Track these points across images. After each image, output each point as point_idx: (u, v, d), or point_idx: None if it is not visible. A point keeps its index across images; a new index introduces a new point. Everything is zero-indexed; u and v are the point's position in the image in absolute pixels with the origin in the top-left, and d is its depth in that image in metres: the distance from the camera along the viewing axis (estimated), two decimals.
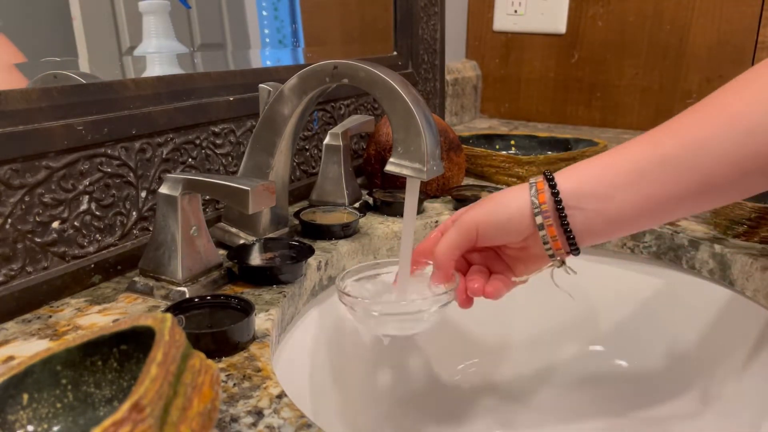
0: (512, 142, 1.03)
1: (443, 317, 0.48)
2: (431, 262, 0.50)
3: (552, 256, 0.45)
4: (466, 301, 0.49)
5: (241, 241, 0.59)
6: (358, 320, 0.49)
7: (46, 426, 0.31)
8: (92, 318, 0.46)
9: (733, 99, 0.42)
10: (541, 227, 0.44)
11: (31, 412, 0.31)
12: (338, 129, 0.71)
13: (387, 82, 0.48)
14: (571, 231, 0.44)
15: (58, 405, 0.32)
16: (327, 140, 0.71)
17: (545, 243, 0.45)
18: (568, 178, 0.44)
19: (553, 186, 0.44)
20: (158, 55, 0.63)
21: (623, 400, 0.70)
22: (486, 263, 0.50)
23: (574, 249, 0.45)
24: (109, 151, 0.52)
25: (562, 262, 0.46)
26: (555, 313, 0.75)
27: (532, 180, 0.45)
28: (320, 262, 0.58)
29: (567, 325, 0.75)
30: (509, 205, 0.45)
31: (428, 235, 0.52)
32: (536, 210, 0.44)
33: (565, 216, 0.43)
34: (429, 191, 0.78)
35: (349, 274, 0.52)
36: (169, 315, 0.31)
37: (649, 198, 0.42)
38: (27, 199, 0.46)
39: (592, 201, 0.43)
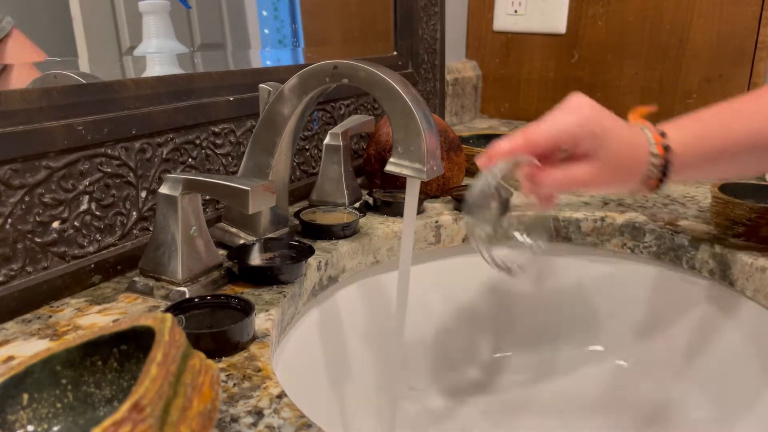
0: None
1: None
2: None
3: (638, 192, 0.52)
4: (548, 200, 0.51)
5: (241, 241, 0.59)
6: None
7: (46, 426, 0.31)
8: (92, 318, 0.46)
9: None
10: (645, 180, 0.50)
11: (31, 412, 0.31)
12: (338, 129, 0.71)
13: (387, 82, 0.48)
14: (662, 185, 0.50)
15: (58, 405, 0.32)
16: (327, 140, 0.71)
17: (645, 181, 0.50)
18: (681, 146, 0.49)
19: (666, 161, 0.49)
20: (158, 55, 0.63)
21: (623, 400, 0.70)
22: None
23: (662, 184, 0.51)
24: (109, 151, 0.52)
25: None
26: (555, 313, 0.75)
27: (651, 139, 0.49)
28: (320, 262, 0.58)
29: (567, 325, 0.75)
30: (627, 142, 0.49)
31: (534, 129, 0.50)
32: (650, 172, 0.49)
33: (667, 175, 0.50)
34: (429, 191, 0.78)
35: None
36: (169, 315, 0.31)
37: (734, 172, 0.53)
38: (27, 199, 0.46)
39: (686, 171, 0.50)
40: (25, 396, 0.31)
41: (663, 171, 0.49)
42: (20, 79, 0.51)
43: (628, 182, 0.51)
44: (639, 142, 0.49)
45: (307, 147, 0.77)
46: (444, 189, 0.79)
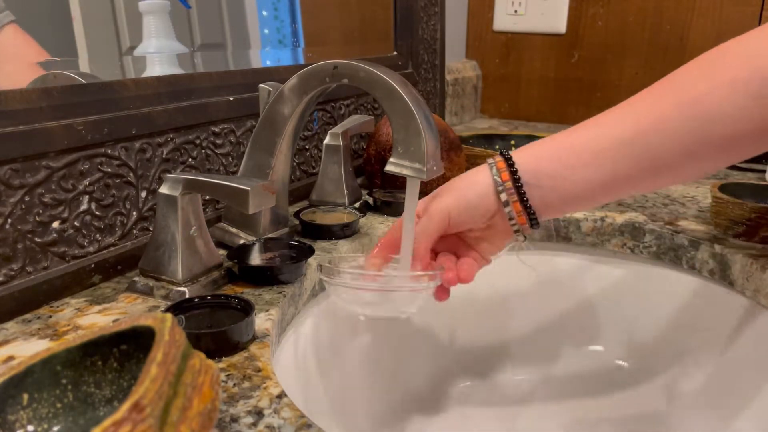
0: (512, 142, 1.03)
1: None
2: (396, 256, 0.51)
3: (517, 231, 0.48)
4: (443, 293, 0.50)
5: (241, 241, 0.59)
6: (342, 302, 0.49)
7: (46, 426, 0.31)
8: (92, 318, 0.46)
9: (688, 83, 0.43)
10: (506, 204, 0.46)
11: (31, 412, 0.31)
12: (338, 129, 0.71)
13: (387, 82, 0.48)
14: (530, 206, 0.46)
15: (58, 405, 0.32)
16: (327, 140, 0.71)
17: (511, 219, 0.47)
18: (525, 157, 0.46)
19: (511, 165, 0.46)
20: (158, 55, 0.62)
21: (623, 400, 0.70)
22: (450, 249, 0.52)
23: (534, 224, 0.47)
24: (109, 151, 0.52)
25: (525, 237, 0.49)
26: (555, 314, 0.75)
27: (490, 160, 0.47)
28: (320, 262, 0.58)
29: (567, 325, 0.75)
30: (474, 187, 0.47)
31: (392, 227, 0.52)
32: (500, 188, 0.46)
33: (524, 192, 0.46)
34: (429, 191, 0.78)
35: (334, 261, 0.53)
36: (169, 315, 0.31)
37: (602, 178, 0.45)
38: (27, 199, 0.46)
39: (548, 179, 0.46)
40: (25, 396, 0.31)
41: (520, 196, 0.45)
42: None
43: (482, 222, 0.48)
44: (482, 176, 0.47)
45: (307, 147, 0.77)
46: None
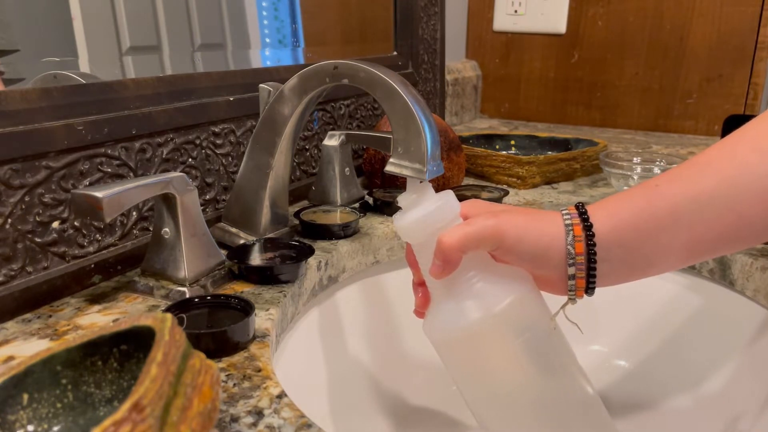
0: (512, 142, 1.03)
1: None
2: None
3: (572, 299, 0.43)
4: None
5: (241, 241, 0.59)
6: None
7: (46, 426, 0.31)
8: (92, 318, 0.46)
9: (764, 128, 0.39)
10: (572, 277, 0.41)
11: (31, 412, 0.31)
12: (343, 132, 0.71)
13: (387, 82, 0.48)
14: (595, 279, 0.41)
15: (58, 405, 0.32)
16: (327, 140, 0.71)
17: (570, 290, 0.42)
18: (603, 222, 0.40)
19: (590, 236, 0.40)
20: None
21: (623, 399, 0.70)
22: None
23: (590, 293, 0.42)
24: (109, 151, 0.52)
25: (575, 301, 0.44)
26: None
27: (567, 218, 0.41)
28: (320, 262, 0.58)
29: (567, 325, 0.75)
30: (540, 240, 0.41)
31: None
32: (571, 261, 0.40)
33: (595, 267, 0.41)
34: None
35: None
36: (169, 315, 0.31)
37: (680, 244, 0.40)
38: (27, 199, 0.46)
39: (619, 251, 0.40)
40: (25, 396, 0.31)
41: (589, 270, 0.40)
42: None
43: (531, 268, 0.42)
44: (552, 235, 0.41)
45: (307, 147, 0.77)
46: (444, 189, 0.78)
